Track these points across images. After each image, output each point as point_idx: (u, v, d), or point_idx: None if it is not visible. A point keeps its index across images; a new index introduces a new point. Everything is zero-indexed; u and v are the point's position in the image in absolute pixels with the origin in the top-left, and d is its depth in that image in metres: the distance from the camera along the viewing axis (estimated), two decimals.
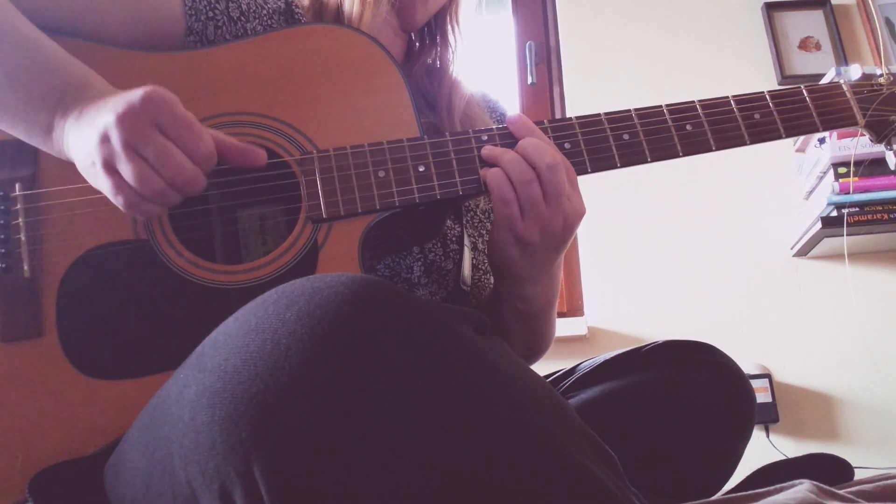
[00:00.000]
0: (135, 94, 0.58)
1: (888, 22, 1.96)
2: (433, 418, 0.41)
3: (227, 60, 0.73)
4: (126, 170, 0.58)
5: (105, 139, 0.58)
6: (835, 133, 1.60)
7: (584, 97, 1.96)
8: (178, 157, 0.59)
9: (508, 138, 0.73)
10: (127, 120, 0.57)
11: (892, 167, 0.84)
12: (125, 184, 0.59)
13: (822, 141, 1.65)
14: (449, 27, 0.92)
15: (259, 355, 0.41)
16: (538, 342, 0.87)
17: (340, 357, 0.41)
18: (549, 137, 0.73)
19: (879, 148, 0.83)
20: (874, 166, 1.57)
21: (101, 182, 0.60)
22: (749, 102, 0.77)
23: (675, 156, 0.75)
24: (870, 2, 1.98)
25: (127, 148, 0.57)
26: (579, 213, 0.72)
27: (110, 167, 0.59)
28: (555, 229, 0.71)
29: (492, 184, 0.70)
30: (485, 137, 0.73)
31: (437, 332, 0.44)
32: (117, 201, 0.60)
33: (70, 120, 0.62)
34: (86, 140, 0.60)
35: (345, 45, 0.74)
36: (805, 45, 1.97)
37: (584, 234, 1.85)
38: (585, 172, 0.74)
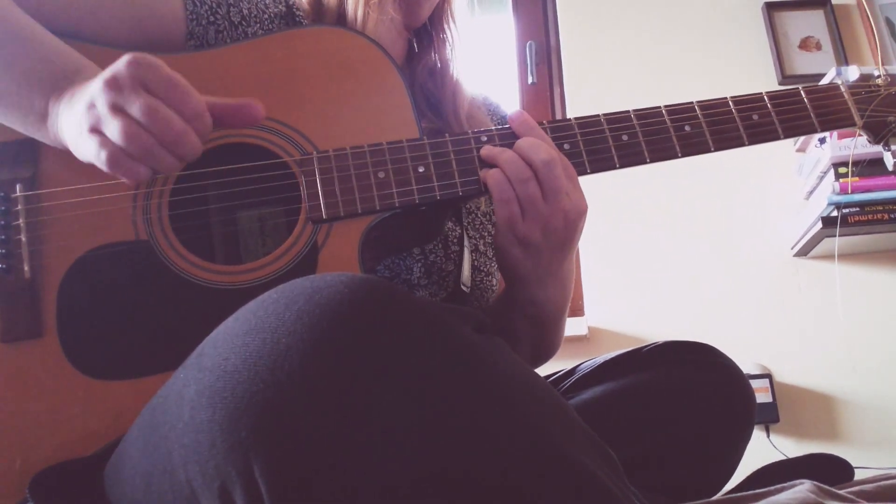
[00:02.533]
0: (119, 60, 0.57)
1: (888, 22, 1.96)
2: (432, 417, 0.41)
3: (227, 62, 0.73)
4: (111, 128, 0.56)
5: (91, 105, 0.57)
6: (835, 133, 1.60)
7: (584, 97, 1.96)
8: (165, 112, 0.56)
9: (508, 139, 0.73)
10: (112, 83, 0.56)
11: (889, 168, 0.85)
12: (109, 141, 0.57)
13: (822, 141, 1.65)
14: (445, 23, 0.92)
15: (259, 355, 0.42)
16: (546, 348, 0.87)
17: (340, 356, 0.41)
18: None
19: (879, 148, 0.84)
20: (874, 166, 1.57)
21: (86, 146, 0.58)
22: (747, 103, 0.78)
23: (674, 156, 0.75)
24: (870, 1, 1.98)
25: (112, 108, 0.56)
26: (580, 210, 0.72)
27: (96, 130, 0.57)
28: (556, 227, 0.71)
29: (492, 184, 0.70)
30: (484, 138, 0.73)
31: (436, 332, 0.44)
32: (101, 158, 0.57)
33: (62, 103, 0.62)
34: (74, 113, 0.59)
35: (344, 47, 0.74)
36: (805, 44, 1.97)
37: (584, 234, 1.84)
38: (585, 173, 0.74)
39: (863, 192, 1.59)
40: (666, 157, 0.75)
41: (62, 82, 0.62)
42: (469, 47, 0.94)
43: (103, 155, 0.57)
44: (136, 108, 0.56)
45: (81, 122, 0.58)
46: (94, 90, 0.57)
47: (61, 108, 0.62)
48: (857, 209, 1.58)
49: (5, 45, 0.63)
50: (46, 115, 0.63)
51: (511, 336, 0.82)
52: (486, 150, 0.72)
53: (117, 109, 0.56)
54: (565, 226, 0.71)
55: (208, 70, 0.72)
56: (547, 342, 0.86)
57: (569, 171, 0.72)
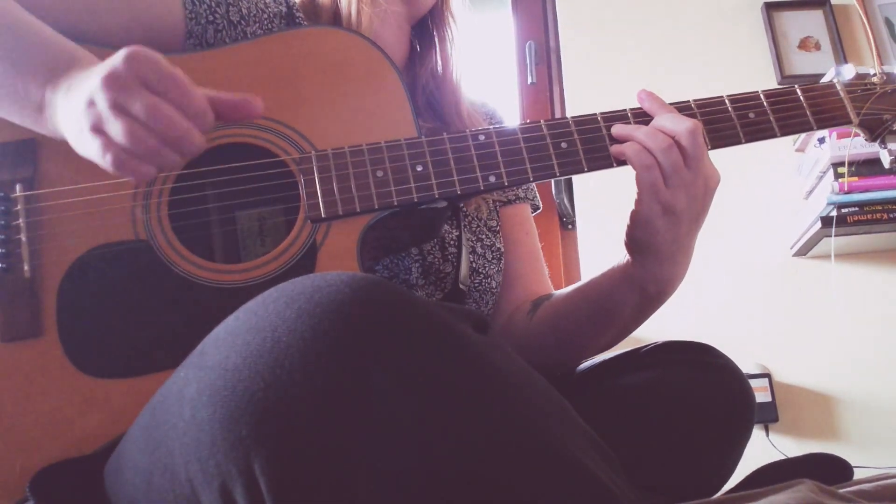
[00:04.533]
0: (117, 55, 0.55)
1: (887, 22, 1.96)
2: (432, 416, 0.41)
3: (225, 62, 0.73)
4: (114, 129, 0.55)
5: (91, 103, 0.55)
6: (834, 133, 1.60)
7: (584, 97, 1.96)
8: (168, 110, 0.55)
9: (505, 135, 0.73)
10: (111, 80, 0.54)
11: (886, 165, 0.85)
12: (113, 142, 0.56)
13: (821, 141, 1.65)
14: (445, 21, 0.93)
15: (259, 353, 0.42)
16: (628, 331, 0.86)
17: (340, 355, 0.41)
18: (545, 135, 0.74)
19: (877, 147, 0.84)
20: (874, 166, 1.57)
21: (88, 146, 0.57)
22: (744, 101, 0.78)
23: None
24: (869, 2, 1.98)
25: (114, 107, 0.55)
26: (717, 178, 0.74)
27: (98, 129, 0.56)
28: (697, 194, 0.72)
29: (630, 153, 0.71)
30: (482, 137, 0.73)
31: (436, 331, 0.44)
32: (106, 161, 0.56)
33: (59, 94, 0.60)
34: (73, 108, 0.58)
35: (343, 47, 0.74)
36: (805, 45, 1.97)
37: (585, 233, 1.86)
38: (582, 171, 0.74)
39: (862, 191, 1.59)
40: None
41: (57, 71, 0.61)
42: (468, 46, 0.95)
43: (108, 157, 0.56)
44: (137, 108, 0.54)
45: (81, 120, 0.57)
46: (92, 87, 0.56)
47: (58, 98, 0.60)
48: (857, 209, 1.58)
49: (1, 35, 0.62)
50: (43, 106, 0.61)
51: (607, 316, 0.82)
52: (619, 128, 0.73)
53: (119, 108, 0.55)
54: (705, 193, 0.72)
55: (207, 70, 0.72)
56: (636, 325, 0.85)
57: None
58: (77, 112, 0.57)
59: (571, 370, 0.91)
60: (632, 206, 0.74)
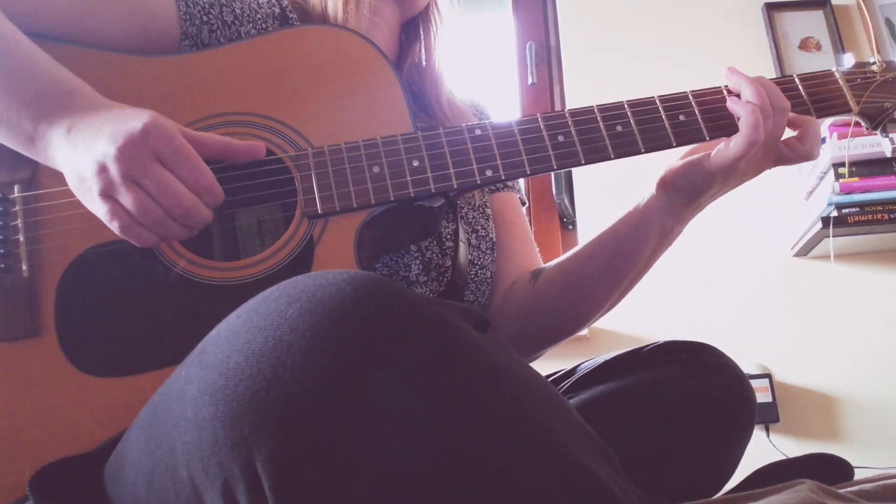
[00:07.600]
0: (135, 126, 0.58)
1: (888, 22, 1.96)
2: (433, 414, 0.41)
3: (221, 62, 0.73)
4: (126, 200, 0.58)
5: (103, 169, 0.58)
6: (835, 133, 1.60)
7: (584, 97, 1.96)
8: (176, 187, 0.59)
9: (501, 129, 0.73)
10: (127, 152, 0.57)
11: (887, 154, 0.84)
12: (122, 210, 0.59)
13: (822, 141, 1.65)
14: (430, 14, 0.94)
15: (261, 352, 0.42)
16: (635, 281, 0.91)
17: (341, 354, 0.41)
18: (541, 128, 0.73)
19: (878, 148, 0.83)
20: (874, 166, 1.57)
21: (96, 207, 0.60)
22: None
23: (669, 146, 0.75)
24: (870, 2, 1.98)
25: (126, 180, 0.58)
26: (763, 171, 0.79)
27: (108, 196, 0.59)
28: (746, 171, 0.77)
29: (760, 103, 0.74)
30: (478, 131, 0.73)
31: (437, 329, 0.44)
32: (113, 226, 0.60)
33: (59, 133, 0.61)
34: (81, 163, 0.59)
35: (338, 45, 0.74)
36: (805, 45, 1.97)
37: (585, 233, 1.85)
38: (579, 164, 0.74)
39: (862, 192, 1.59)
40: (661, 147, 0.75)
41: (53, 106, 0.62)
42: (455, 40, 0.96)
43: (116, 224, 0.60)
44: (148, 182, 0.58)
45: (91, 182, 0.59)
46: (106, 153, 0.58)
47: (56, 137, 0.61)
48: (857, 209, 1.58)
49: None
50: (35, 138, 0.62)
51: (626, 260, 0.86)
52: (733, 73, 0.79)
53: (131, 181, 0.58)
54: (752, 173, 0.78)
55: (204, 70, 0.72)
56: (647, 269, 0.91)
57: None
58: (86, 170, 0.59)
59: (573, 369, 0.91)
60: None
